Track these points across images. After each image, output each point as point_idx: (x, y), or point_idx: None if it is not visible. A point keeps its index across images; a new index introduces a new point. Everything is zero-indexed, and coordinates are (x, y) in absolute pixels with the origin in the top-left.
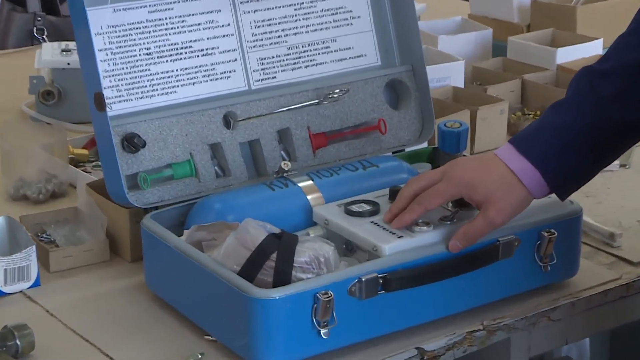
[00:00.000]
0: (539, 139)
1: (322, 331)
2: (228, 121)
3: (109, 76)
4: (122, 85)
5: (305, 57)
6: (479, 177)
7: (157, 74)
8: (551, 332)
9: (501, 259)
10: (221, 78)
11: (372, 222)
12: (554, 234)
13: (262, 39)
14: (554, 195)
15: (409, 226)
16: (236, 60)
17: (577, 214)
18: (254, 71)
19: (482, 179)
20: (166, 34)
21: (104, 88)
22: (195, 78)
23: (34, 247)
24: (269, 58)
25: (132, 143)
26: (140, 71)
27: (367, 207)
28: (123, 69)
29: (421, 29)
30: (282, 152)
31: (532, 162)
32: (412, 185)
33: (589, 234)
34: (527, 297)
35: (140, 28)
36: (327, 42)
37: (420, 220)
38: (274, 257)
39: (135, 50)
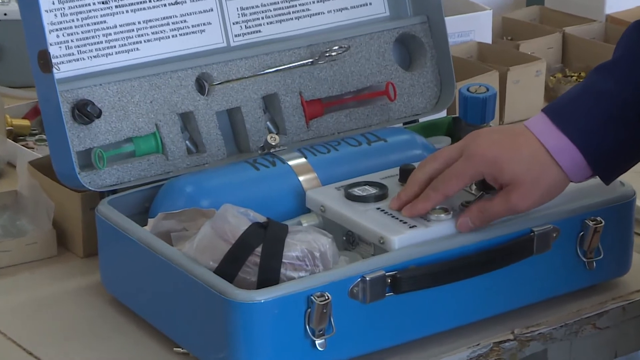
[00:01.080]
0: (579, 109)
1: (318, 342)
2: (202, 85)
3: (57, 30)
4: (72, 41)
5: (296, 6)
6: (505, 154)
7: (115, 27)
8: (597, 342)
9: (536, 254)
10: (193, 32)
11: (378, 208)
12: (601, 223)
13: None
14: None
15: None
16: (212, 10)
17: (629, 198)
18: (233, 24)
19: (510, 156)
20: None
21: (50, 44)
22: (161, 32)
23: None
24: (252, 8)
25: (85, 112)
26: (95, 24)
27: (372, 191)
28: (73, 21)
29: None
30: (268, 123)
31: (570, 138)
32: (426, 167)
33: None
34: (567, 300)
35: None
36: None
37: (437, 207)
38: (259, 252)
39: None
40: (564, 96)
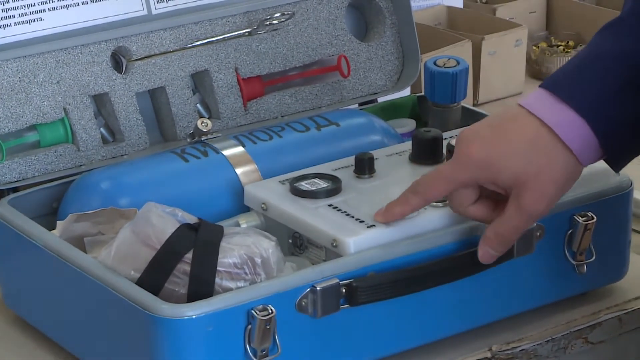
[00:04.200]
0: (585, 76)
1: None
2: (119, 61)
3: None
4: None
5: None
6: (497, 149)
7: None
8: (590, 359)
9: (517, 257)
10: None
11: (330, 205)
12: (593, 219)
13: None
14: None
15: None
16: None
17: (625, 189)
18: None
19: (503, 151)
20: None
21: None
22: None
23: None
24: None
25: None
26: None
27: (322, 185)
28: None
29: None
30: (198, 105)
31: (578, 111)
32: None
33: None
34: (554, 310)
35: None
36: None
37: None
38: (189, 259)
39: None
40: (564, 66)
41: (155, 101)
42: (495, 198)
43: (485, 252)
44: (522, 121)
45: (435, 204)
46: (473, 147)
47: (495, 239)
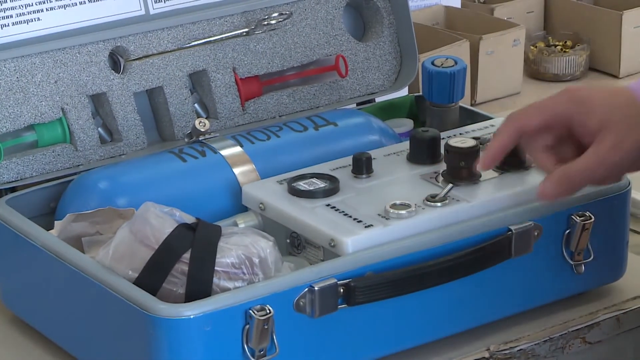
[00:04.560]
0: None
1: None
2: (117, 61)
3: None
4: None
5: None
6: (598, 95)
7: None
8: (588, 359)
9: (515, 257)
10: None
11: (328, 205)
12: (590, 218)
13: None
14: None
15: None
16: None
17: (623, 189)
18: None
19: (604, 101)
20: None
21: None
22: None
23: None
24: None
25: None
26: None
27: (320, 184)
28: None
29: None
30: (196, 105)
31: None
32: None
33: None
34: (552, 310)
35: None
36: None
37: (397, 202)
38: (187, 258)
39: None
40: None
41: (153, 101)
42: (563, 156)
43: (545, 188)
44: (625, 92)
45: (434, 203)
46: (575, 88)
47: (559, 177)
